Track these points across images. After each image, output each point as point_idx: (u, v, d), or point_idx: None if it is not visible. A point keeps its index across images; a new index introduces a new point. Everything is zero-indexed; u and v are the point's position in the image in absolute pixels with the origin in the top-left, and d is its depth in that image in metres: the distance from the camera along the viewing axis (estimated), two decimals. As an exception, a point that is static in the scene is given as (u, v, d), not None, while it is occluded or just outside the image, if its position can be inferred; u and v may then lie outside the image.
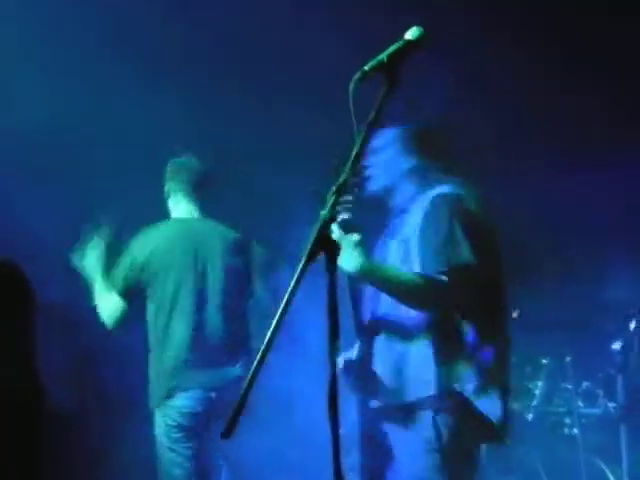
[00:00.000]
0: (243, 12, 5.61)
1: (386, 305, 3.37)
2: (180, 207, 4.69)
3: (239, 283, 4.57)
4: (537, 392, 5.43)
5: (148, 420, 4.64)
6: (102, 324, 4.63)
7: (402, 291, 3.26)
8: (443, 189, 3.42)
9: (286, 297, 2.27)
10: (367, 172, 3.56)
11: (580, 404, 5.25)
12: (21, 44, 5.39)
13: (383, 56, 2.51)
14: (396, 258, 3.39)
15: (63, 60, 5.46)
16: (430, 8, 5.16)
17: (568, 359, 5.28)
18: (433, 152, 3.58)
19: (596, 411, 5.21)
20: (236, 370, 4.41)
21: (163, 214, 4.96)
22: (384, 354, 3.36)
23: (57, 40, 5.38)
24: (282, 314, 2.25)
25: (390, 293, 3.29)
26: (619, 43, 5.60)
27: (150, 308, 4.53)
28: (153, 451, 4.52)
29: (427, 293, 3.25)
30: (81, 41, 5.44)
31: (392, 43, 2.56)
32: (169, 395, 4.39)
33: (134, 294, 4.52)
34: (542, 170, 5.75)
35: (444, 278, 3.22)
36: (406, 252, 3.37)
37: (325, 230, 2.35)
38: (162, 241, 4.54)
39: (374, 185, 3.56)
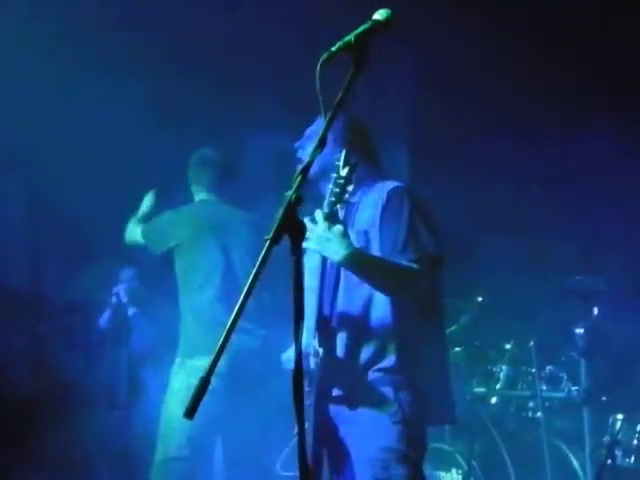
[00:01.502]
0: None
1: (344, 300, 3.47)
2: (202, 194, 5.14)
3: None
4: (501, 376, 5.46)
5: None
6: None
7: (384, 278, 3.40)
8: (393, 183, 3.56)
9: (250, 279, 2.25)
10: (299, 156, 3.66)
11: (543, 388, 5.29)
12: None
13: (351, 37, 2.48)
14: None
15: (33, 59, 5.41)
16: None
17: (531, 343, 5.33)
18: (364, 144, 3.65)
19: (559, 395, 5.25)
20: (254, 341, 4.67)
21: (130, 203, 5.04)
22: (344, 342, 3.45)
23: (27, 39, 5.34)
24: (246, 296, 2.24)
25: (372, 280, 3.40)
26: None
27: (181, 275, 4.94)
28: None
29: (405, 280, 3.41)
30: (49, 39, 5.40)
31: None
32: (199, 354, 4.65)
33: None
34: (510, 156, 5.77)
35: (415, 267, 3.38)
36: (366, 243, 3.48)
37: (291, 212, 2.32)
38: (189, 217, 5.03)
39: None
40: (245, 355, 4.61)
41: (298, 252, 2.33)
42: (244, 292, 2.24)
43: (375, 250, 3.46)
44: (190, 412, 2.21)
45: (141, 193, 5.30)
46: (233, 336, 2.23)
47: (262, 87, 5.71)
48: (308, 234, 3.15)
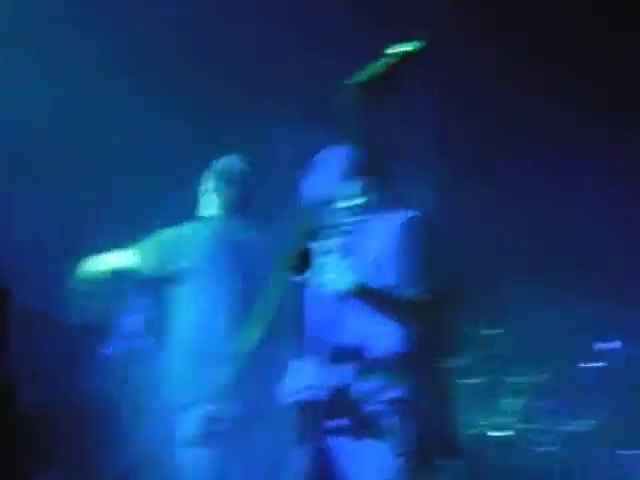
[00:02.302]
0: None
1: (351, 332, 3.45)
2: (214, 208, 4.73)
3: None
4: (514, 410, 5.43)
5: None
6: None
7: (393, 308, 3.37)
8: (409, 212, 3.52)
9: (263, 312, 2.26)
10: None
11: (557, 422, 5.26)
12: (16, 44, 5.36)
13: (382, 66, 2.51)
14: (365, 277, 3.44)
15: (55, 61, 5.43)
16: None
17: (545, 377, 5.32)
18: (379, 171, 3.61)
19: (573, 429, 5.22)
20: None
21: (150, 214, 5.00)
22: (350, 373, 3.43)
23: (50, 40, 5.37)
24: (263, 326, 2.24)
25: (382, 310, 3.39)
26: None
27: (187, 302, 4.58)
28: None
29: (414, 311, 3.38)
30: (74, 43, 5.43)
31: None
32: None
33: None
34: (540, 183, 5.79)
35: (426, 297, 3.36)
36: (377, 270, 3.44)
37: (304, 244, 2.34)
38: (204, 234, 4.61)
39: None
40: None
41: (306, 283, 2.34)
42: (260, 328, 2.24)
43: (385, 278, 3.42)
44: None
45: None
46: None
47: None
48: (317, 265, 3.17)
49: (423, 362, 3.44)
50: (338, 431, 3.41)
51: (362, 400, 3.41)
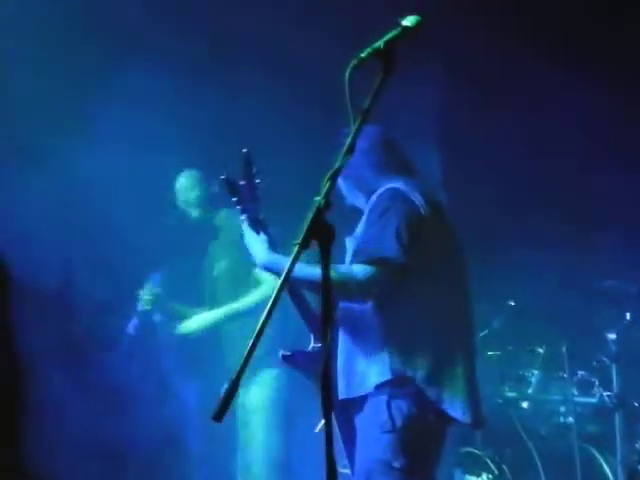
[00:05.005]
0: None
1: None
2: None
3: None
4: (532, 380, 5.42)
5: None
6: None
7: (310, 285, 3.27)
8: (392, 184, 3.52)
9: (279, 285, 2.26)
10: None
11: (575, 392, 5.24)
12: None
13: (380, 43, 2.48)
14: (348, 255, 3.50)
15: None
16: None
17: (563, 348, 5.29)
18: (392, 153, 3.68)
19: (591, 400, 5.19)
20: None
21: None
22: (339, 346, 3.49)
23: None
24: (273, 304, 2.24)
25: (301, 286, 3.44)
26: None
27: None
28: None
29: (345, 284, 3.31)
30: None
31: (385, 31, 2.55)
32: None
33: None
34: (533, 154, 5.74)
35: (357, 269, 3.32)
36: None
37: (319, 217, 2.33)
38: None
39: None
40: None
41: (327, 257, 2.33)
42: (269, 305, 2.24)
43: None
44: (219, 415, 2.22)
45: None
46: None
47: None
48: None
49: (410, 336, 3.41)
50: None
51: (353, 378, 3.44)
